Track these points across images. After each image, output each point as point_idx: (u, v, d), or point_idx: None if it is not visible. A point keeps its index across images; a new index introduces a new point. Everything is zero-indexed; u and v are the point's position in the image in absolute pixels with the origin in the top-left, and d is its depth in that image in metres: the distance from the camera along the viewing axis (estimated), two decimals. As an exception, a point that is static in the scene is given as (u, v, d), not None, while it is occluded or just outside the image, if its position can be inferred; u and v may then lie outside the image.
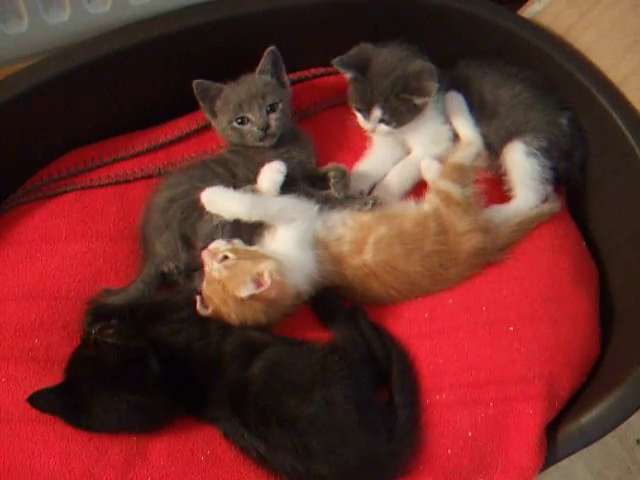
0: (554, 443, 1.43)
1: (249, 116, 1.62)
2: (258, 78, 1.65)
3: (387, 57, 1.64)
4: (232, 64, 1.69)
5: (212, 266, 1.44)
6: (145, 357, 1.33)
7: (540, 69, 1.76)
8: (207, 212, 1.51)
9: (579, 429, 1.44)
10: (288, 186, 1.59)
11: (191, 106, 1.73)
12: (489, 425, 1.41)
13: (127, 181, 1.71)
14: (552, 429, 1.44)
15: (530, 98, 1.71)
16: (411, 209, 1.62)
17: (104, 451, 1.34)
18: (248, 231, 1.55)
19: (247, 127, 1.63)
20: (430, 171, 1.68)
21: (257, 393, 1.32)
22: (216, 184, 1.53)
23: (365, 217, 1.58)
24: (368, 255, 1.53)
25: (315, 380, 1.33)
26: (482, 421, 1.41)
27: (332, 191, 1.63)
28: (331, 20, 1.86)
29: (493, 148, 1.72)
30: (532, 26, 1.81)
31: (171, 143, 1.78)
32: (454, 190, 1.59)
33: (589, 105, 1.71)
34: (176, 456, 1.35)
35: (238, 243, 1.50)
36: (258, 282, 1.41)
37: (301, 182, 1.63)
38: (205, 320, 1.44)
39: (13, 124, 1.61)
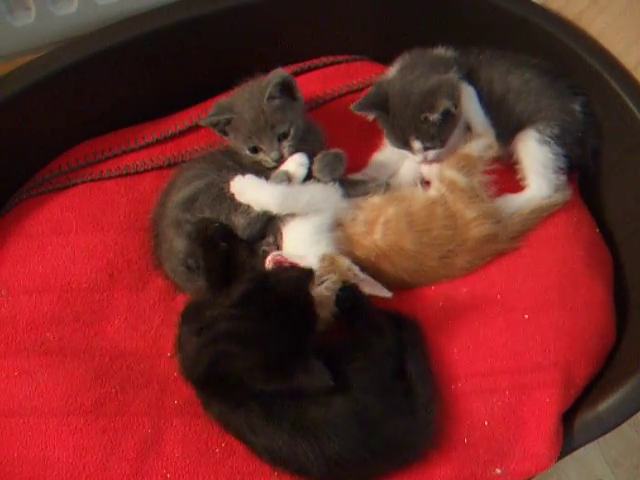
0: (571, 431, 1.42)
1: (261, 147, 1.58)
2: (266, 105, 1.55)
3: (402, 85, 1.59)
4: (244, 52, 1.69)
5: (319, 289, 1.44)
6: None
7: (552, 55, 1.73)
8: (241, 203, 1.50)
9: (596, 417, 1.43)
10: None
11: (201, 96, 1.72)
12: (505, 414, 1.41)
13: (137, 172, 1.70)
14: (568, 417, 1.44)
15: (541, 85, 1.69)
16: (419, 193, 1.62)
17: (118, 444, 1.34)
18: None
19: (260, 156, 1.59)
20: (432, 173, 1.67)
21: (284, 400, 1.29)
22: (231, 176, 1.53)
23: (375, 199, 1.59)
24: (377, 235, 1.54)
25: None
26: (498, 410, 1.41)
27: (314, 172, 1.59)
28: (340, 7, 1.85)
29: (504, 136, 1.70)
30: (543, 11, 1.80)
31: (181, 134, 1.76)
32: (459, 179, 1.59)
33: (602, 91, 1.69)
34: (191, 448, 1.35)
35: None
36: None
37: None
38: None
39: (22, 117, 1.60)
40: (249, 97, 1.58)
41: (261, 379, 1.25)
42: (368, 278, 1.49)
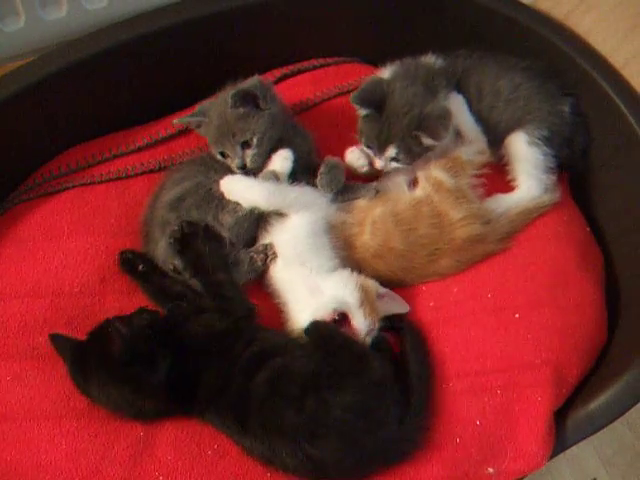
0: (563, 430, 1.43)
1: (227, 152, 1.60)
2: (230, 113, 1.56)
3: (403, 94, 1.59)
4: (234, 56, 1.70)
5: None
6: (153, 363, 1.32)
7: (541, 55, 1.74)
8: (229, 202, 1.52)
9: (588, 415, 1.43)
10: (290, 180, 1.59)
11: (191, 100, 1.72)
12: (497, 413, 1.41)
13: (128, 176, 1.70)
14: (561, 416, 1.44)
15: (530, 89, 1.70)
16: (405, 193, 1.64)
17: (110, 447, 1.34)
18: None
19: (228, 160, 1.61)
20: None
21: (259, 404, 1.30)
22: (219, 177, 1.55)
23: (362, 201, 1.62)
24: (367, 235, 1.56)
25: (308, 388, 1.31)
26: (490, 409, 1.41)
27: (318, 186, 1.60)
28: (331, 10, 1.86)
29: (495, 140, 1.71)
30: (532, 12, 1.81)
31: (171, 137, 1.77)
32: (446, 179, 1.60)
33: (591, 90, 1.70)
34: (183, 450, 1.35)
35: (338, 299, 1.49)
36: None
37: (301, 176, 1.61)
38: (234, 334, 1.42)
39: (12, 122, 1.60)
40: (219, 103, 1.60)
41: None
42: (390, 292, 1.52)
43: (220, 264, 1.48)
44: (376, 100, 1.59)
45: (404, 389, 1.39)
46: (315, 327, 1.42)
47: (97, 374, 1.31)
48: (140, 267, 1.53)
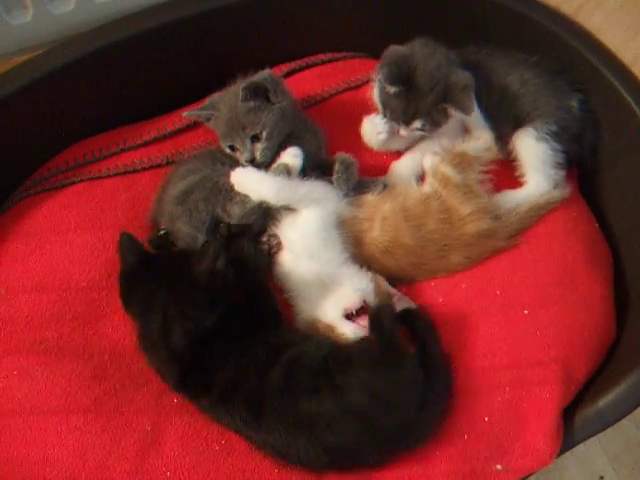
0: (571, 427, 1.42)
1: (236, 145, 1.60)
2: (240, 106, 1.56)
3: (427, 67, 1.58)
4: (242, 50, 1.70)
5: None
6: (213, 307, 1.32)
7: (550, 50, 1.74)
8: (237, 194, 1.52)
9: (596, 413, 1.43)
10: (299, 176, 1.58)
11: (199, 94, 1.72)
12: (505, 410, 1.40)
13: (135, 171, 1.70)
14: (569, 413, 1.44)
15: (539, 84, 1.69)
16: (413, 189, 1.63)
17: (117, 442, 1.34)
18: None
19: (237, 154, 1.61)
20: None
21: (274, 399, 1.29)
22: (226, 170, 1.55)
23: (371, 197, 1.61)
24: (376, 232, 1.55)
25: (321, 377, 1.31)
26: (498, 406, 1.41)
27: (335, 185, 1.60)
28: (338, 4, 1.86)
29: (503, 135, 1.71)
30: (541, 7, 1.80)
31: (179, 132, 1.76)
32: (453, 174, 1.60)
33: (600, 86, 1.69)
34: (190, 446, 1.35)
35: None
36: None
37: (311, 172, 1.60)
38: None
39: (20, 116, 1.60)
40: (229, 96, 1.60)
41: None
42: (397, 293, 1.53)
43: (260, 266, 1.49)
44: (404, 76, 1.58)
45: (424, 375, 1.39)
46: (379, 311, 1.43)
47: (155, 288, 1.33)
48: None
